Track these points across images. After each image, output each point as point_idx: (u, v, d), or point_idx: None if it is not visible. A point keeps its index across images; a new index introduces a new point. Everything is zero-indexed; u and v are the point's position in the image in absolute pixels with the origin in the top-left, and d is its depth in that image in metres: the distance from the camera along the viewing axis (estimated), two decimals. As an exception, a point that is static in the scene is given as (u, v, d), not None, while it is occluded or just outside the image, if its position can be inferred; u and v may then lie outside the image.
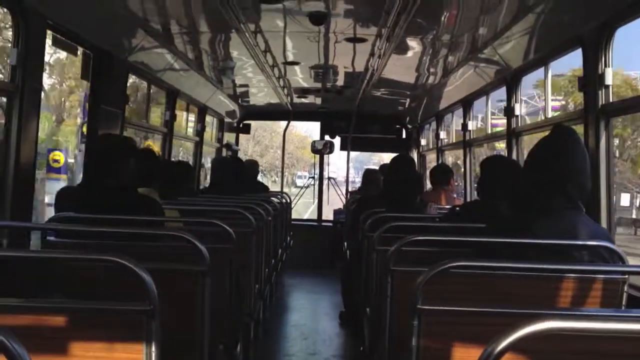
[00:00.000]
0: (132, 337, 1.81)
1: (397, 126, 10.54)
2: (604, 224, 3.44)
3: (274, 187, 13.23)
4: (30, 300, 1.89)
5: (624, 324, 1.23)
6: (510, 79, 5.19)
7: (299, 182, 38.69)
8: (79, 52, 4.61)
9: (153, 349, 1.80)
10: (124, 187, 3.42)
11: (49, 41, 3.88)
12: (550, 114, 4.79)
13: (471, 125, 6.86)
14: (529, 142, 4.62)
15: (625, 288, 2.53)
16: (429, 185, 6.94)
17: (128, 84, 5.21)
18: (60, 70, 21.87)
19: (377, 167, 8.61)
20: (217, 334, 2.96)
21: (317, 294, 8.50)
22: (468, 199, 7.01)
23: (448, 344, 1.98)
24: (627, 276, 2.52)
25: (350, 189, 10.71)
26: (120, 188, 3.39)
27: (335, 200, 11.28)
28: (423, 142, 10.11)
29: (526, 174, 2.75)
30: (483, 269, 2.45)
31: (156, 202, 3.67)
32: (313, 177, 12.34)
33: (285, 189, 10.72)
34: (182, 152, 11.29)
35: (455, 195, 7.04)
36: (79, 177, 3.92)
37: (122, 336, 1.82)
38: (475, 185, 3.94)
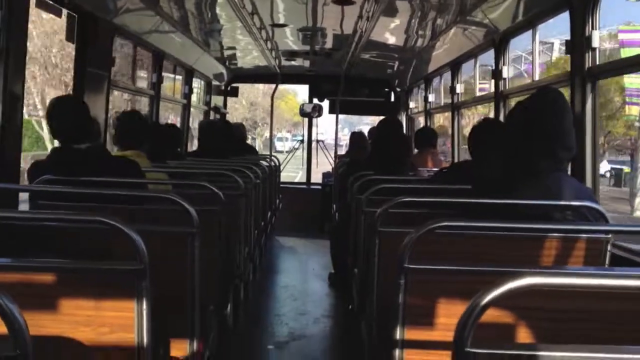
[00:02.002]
0: (123, 296, 1.83)
1: (386, 89, 10.52)
2: (589, 185, 3.48)
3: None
4: (20, 259, 1.90)
5: (604, 280, 1.26)
6: (498, 42, 5.19)
7: (279, 146, 31.59)
8: (63, 15, 4.55)
9: (144, 307, 1.82)
10: (96, 150, 3.44)
11: (32, 2, 3.82)
12: (537, 77, 4.80)
13: (459, 88, 6.86)
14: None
15: (609, 247, 2.57)
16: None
17: (114, 47, 5.16)
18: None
19: (368, 128, 8.62)
20: (207, 295, 3.00)
21: (307, 256, 8.58)
22: (455, 161, 7.05)
23: (433, 301, 2.02)
24: (610, 235, 2.57)
25: (339, 153, 10.73)
26: (92, 151, 3.40)
27: (323, 163, 11.30)
28: (412, 105, 10.11)
29: (512, 136, 2.76)
30: (468, 229, 2.49)
31: (134, 162, 3.68)
32: (301, 141, 12.32)
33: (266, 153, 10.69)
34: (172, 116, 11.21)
35: (442, 158, 7.09)
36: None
37: (113, 295, 1.85)
38: (466, 146, 3.97)
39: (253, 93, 40.41)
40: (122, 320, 1.84)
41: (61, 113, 3.45)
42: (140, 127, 4.35)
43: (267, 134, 43.10)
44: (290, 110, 45.37)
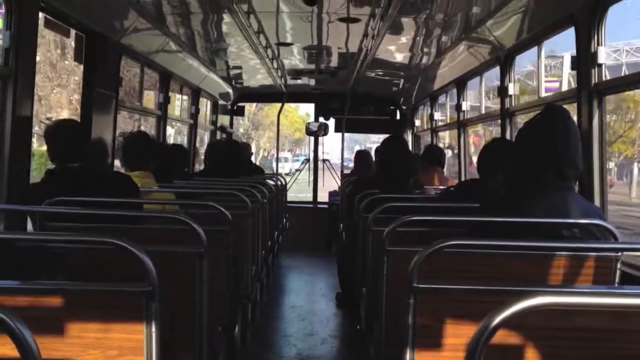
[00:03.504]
0: (132, 318, 1.83)
1: (391, 107, 10.54)
2: (597, 203, 3.47)
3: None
4: (30, 282, 1.91)
5: (615, 299, 1.25)
6: (503, 59, 5.20)
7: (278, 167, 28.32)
8: (71, 35, 4.59)
9: (153, 329, 1.82)
10: (89, 168, 3.46)
11: (41, 23, 3.86)
12: (543, 94, 4.80)
13: (465, 106, 6.87)
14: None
15: (619, 265, 2.56)
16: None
17: (121, 67, 5.19)
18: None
19: (375, 146, 8.63)
20: (215, 316, 2.99)
21: (314, 275, 8.55)
22: (462, 179, 7.03)
23: (443, 321, 2.01)
24: (620, 254, 2.55)
25: (344, 172, 10.73)
26: (85, 169, 3.42)
27: (329, 183, 11.28)
28: (417, 122, 10.12)
29: (519, 155, 2.76)
30: (477, 247, 2.48)
31: (127, 177, 3.70)
32: (307, 160, 12.32)
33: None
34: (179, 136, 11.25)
35: (448, 177, 7.08)
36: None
37: (122, 317, 1.84)
38: (476, 163, 3.98)
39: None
40: (131, 342, 1.83)
41: (56, 135, 3.49)
42: (147, 148, 4.37)
43: (261, 152, 41.60)
44: (290, 125, 42.11)
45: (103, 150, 4.67)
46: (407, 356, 2.06)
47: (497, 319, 1.19)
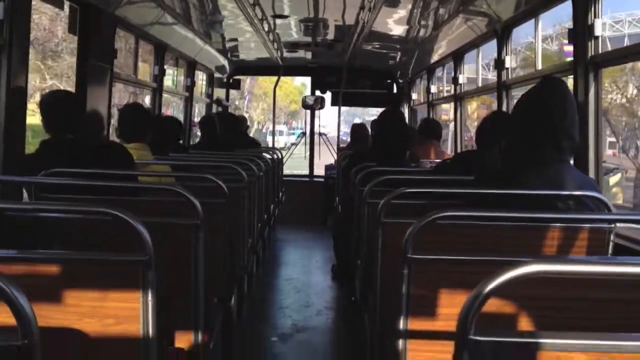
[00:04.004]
0: (128, 287, 1.84)
1: (388, 80, 10.50)
2: (592, 175, 3.48)
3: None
4: (26, 251, 1.91)
5: (607, 267, 1.26)
6: (500, 32, 5.17)
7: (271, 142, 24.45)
8: (65, 6, 4.55)
9: (149, 298, 1.83)
10: (84, 139, 3.45)
11: (35, -6, 3.83)
12: (540, 66, 4.79)
13: (462, 79, 6.84)
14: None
15: (612, 237, 2.58)
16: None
17: (116, 39, 5.16)
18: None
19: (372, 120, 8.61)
20: (211, 288, 3.01)
21: (310, 248, 8.59)
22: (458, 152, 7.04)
23: (436, 291, 2.03)
24: (613, 225, 2.57)
25: (341, 145, 10.72)
26: (80, 140, 3.42)
27: (325, 157, 11.28)
28: (414, 96, 10.09)
29: (516, 127, 2.76)
30: (471, 219, 2.49)
31: (120, 147, 3.70)
32: (303, 134, 12.29)
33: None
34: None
35: (444, 150, 7.08)
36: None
37: (118, 286, 1.86)
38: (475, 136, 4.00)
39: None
40: (127, 311, 1.85)
41: (52, 106, 3.48)
42: (143, 120, 4.36)
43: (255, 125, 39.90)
44: (285, 96, 39.41)
45: (98, 122, 4.66)
46: (401, 326, 2.09)
47: (490, 286, 1.21)
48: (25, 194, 3.40)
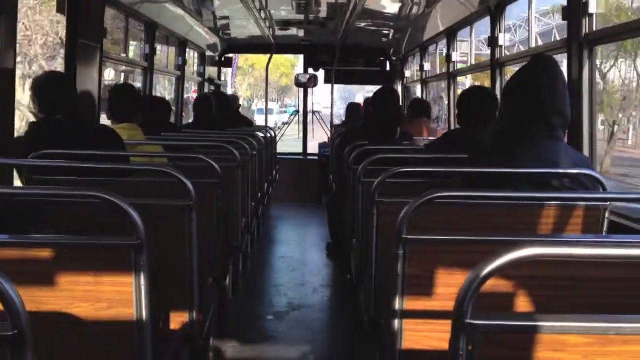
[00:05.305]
0: (121, 271, 1.83)
1: (381, 59, 10.45)
2: (586, 152, 3.48)
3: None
4: (17, 235, 1.89)
5: (604, 249, 1.25)
6: (494, 9, 5.13)
7: (260, 120, 21.53)
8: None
9: (142, 281, 1.82)
10: (74, 120, 3.41)
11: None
12: (534, 44, 4.76)
13: (455, 57, 6.81)
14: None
15: (607, 215, 2.58)
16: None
17: (105, 17, 5.09)
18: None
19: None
20: (206, 268, 3.00)
21: (305, 226, 8.60)
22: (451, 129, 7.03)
23: (432, 271, 2.02)
24: (608, 203, 2.57)
25: (335, 123, 10.69)
26: (70, 122, 3.38)
27: (319, 135, 11.25)
28: (407, 74, 10.05)
29: (508, 104, 2.75)
30: (466, 199, 2.48)
31: (110, 129, 3.67)
32: (296, 112, 12.23)
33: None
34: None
35: (437, 127, 7.08)
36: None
37: (111, 270, 1.84)
38: (456, 115, 4.00)
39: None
40: (120, 295, 1.83)
41: (44, 87, 3.43)
42: (133, 100, 4.31)
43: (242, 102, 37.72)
44: (276, 69, 35.52)
45: (88, 102, 4.61)
46: (397, 305, 2.08)
47: (487, 270, 1.19)
48: (16, 177, 3.36)
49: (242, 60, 33.26)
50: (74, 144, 3.18)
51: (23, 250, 1.81)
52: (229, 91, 13.96)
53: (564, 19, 3.72)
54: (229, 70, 10.67)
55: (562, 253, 1.21)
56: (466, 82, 8.70)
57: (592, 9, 3.49)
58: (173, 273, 2.54)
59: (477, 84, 6.51)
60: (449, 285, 1.98)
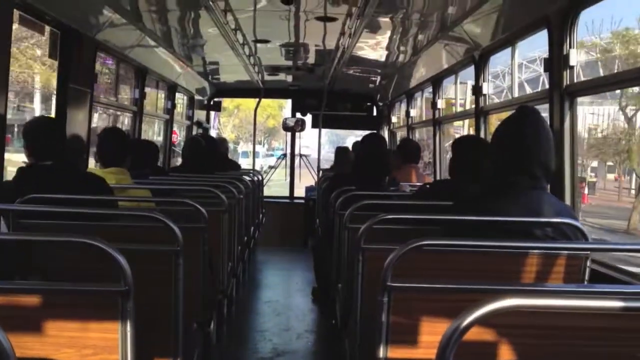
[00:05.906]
0: (108, 317, 1.83)
1: (368, 104, 10.59)
2: (568, 202, 3.53)
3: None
4: (5, 281, 1.90)
5: (584, 301, 1.29)
6: (478, 58, 5.25)
7: (246, 164, 17.22)
8: (46, 31, 4.55)
9: (128, 328, 1.82)
10: (61, 166, 3.43)
11: (16, 20, 3.81)
12: (516, 94, 4.87)
13: (440, 104, 6.93)
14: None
15: (588, 263, 2.62)
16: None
17: (97, 63, 5.15)
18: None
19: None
20: (190, 312, 2.99)
21: (290, 270, 8.57)
22: (438, 176, 7.10)
23: (417, 319, 2.04)
24: (589, 252, 2.61)
25: (322, 167, 10.75)
26: (57, 167, 3.40)
27: (306, 179, 11.29)
28: (394, 119, 10.17)
29: (492, 154, 2.81)
30: (450, 247, 2.51)
31: (98, 176, 3.69)
32: (284, 155, 12.29)
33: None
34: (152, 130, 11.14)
35: (425, 173, 7.13)
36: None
37: (98, 316, 1.84)
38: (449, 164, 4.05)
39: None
40: (106, 342, 1.84)
41: (34, 133, 3.47)
42: (122, 144, 4.34)
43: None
44: (262, 110, 30.13)
45: (78, 147, 4.64)
46: (381, 353, 2.09)
47: (468, 320, 1.22)
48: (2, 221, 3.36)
49: (227, 100, 32.63)
50: (61, 188, 3.19)
51: (10, 296, 1.82)
52: (213, 133, 13.95)
53: (545, 70, 3.82)
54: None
55: (541, 304, 1.25)
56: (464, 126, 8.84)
57: (573, 61, 3.60)
58: (158, 317, 2.54)
59: (472, 130, 6.58)
60: (432, 334, 2.00)
